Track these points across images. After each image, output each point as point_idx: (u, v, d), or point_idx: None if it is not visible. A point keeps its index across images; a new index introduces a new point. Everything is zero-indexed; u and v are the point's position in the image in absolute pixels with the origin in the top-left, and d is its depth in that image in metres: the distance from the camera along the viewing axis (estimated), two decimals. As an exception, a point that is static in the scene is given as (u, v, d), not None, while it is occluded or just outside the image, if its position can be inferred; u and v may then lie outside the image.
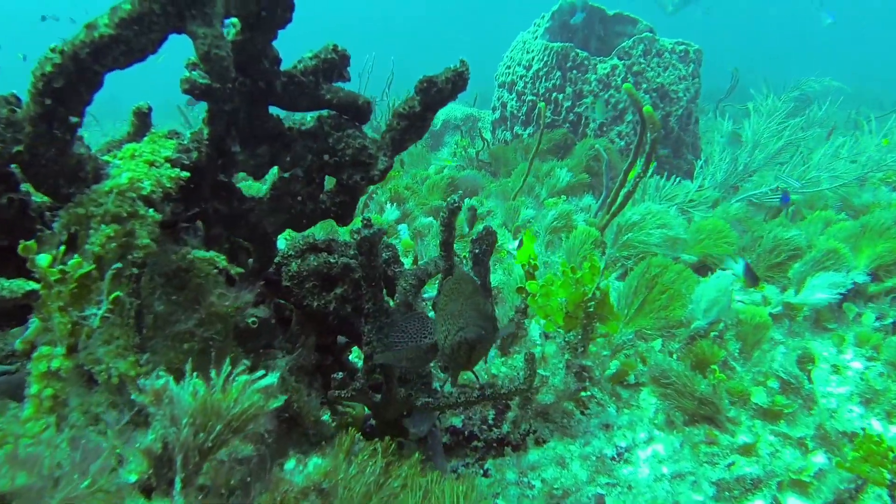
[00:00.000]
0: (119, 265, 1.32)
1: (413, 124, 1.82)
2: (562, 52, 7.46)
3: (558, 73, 7.52)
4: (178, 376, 1.48)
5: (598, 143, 6.54)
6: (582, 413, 2.33)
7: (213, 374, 1.27)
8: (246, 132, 1.77)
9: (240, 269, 1.68)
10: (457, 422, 2.22)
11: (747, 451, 2.34)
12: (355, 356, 2.53)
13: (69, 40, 1.29)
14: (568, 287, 2.16)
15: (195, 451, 1.18)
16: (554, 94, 7.57)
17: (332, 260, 2.07)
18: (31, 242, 1.25)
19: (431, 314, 1.90)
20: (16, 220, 1.48)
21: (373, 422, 2.34)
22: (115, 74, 1.39)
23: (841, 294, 3.23)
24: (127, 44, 1.29)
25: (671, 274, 3.01)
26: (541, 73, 7.63)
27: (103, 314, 1.27)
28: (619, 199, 4.17)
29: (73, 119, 1.37)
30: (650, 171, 4.59)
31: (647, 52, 7.53)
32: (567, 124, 7.52)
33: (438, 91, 1.78)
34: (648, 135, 4.10)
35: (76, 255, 1.34)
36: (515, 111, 8.00)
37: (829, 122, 13.07)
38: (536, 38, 7.91)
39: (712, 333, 2.89)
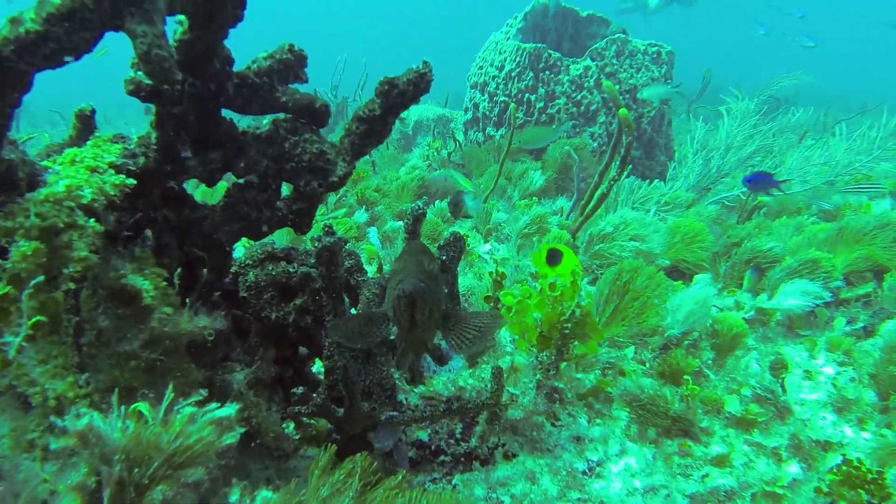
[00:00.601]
0: (34, 284, 1.22)
1: (373, 128, 1.73)
2: (534, 53, 7.41)
3: (531, 74, 7.47)
4: (127, 396, 1.39)
5: (572, 142, 6.49)
6: (553, 425, 2.26)
7: (145, 408, 1.18)
8: (197, 136, 1.68)
9: (168, 310, 1.56)
10: (423, 436, 2.14)
11: (721, 461, 2.29)
12: (318, 368, 2.44)
13: (-7, 35, 1.19)
14: (545, 305, 2.08)
15: (131, 486, 1.08)
16: (527, 95, 7.52)
17: (291, 269, 1.98)
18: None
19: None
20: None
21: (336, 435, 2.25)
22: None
23: (815, 303, 3.21)
24: (57, 41, 1.20)
25: (643, 279, 2.95)
26: (513, 74, 7.57)
27: (20, 342, 1.17)
28: (593, 202, 4.12)
29: None
30: (625, 173, 4.54)
31: (620, 54, 7.51)
32: (540, 125, 7.48)
33: (400, 93, 1.69)
34: (624, 137, 4.05)
35: None
36: (488, 112, 7.94)
37: (800, 126, 13.21)
38: (509, 38, 7.86)
39: (686, 342, 2.85)
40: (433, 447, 2.11)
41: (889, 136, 6.31)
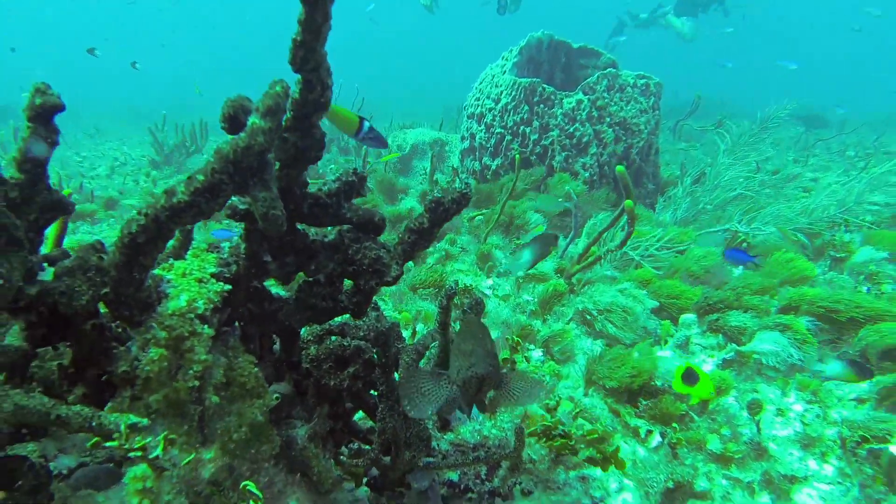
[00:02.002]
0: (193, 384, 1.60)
1: (422, 237, 2.13)
2: (529, 88, 7.82)
3: (526, 108, 7.88)
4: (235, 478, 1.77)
5: (571, 185, 6.88)
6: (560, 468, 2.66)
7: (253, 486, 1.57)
8: (276, 246, 2.06)
9: (273, 400, 1.95)
10: (454, 476, 2.53)
11: (703, 497, 2.69)
12: (358, 417, 2.83)
13: (151, 203, 1.57)
14: (566, 443, 2.50)
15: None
16: (521, 128, 7.92)
17: (345, 343, 2.36)
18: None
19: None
20: (97, 341, 1.74)
21: (374, 472, 2.62)
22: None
23: (784, 354, 3.61)
24: (198, 208, 1.57)
25: (633, 358, 3.36)
26: (509, 107, 7.98)
27: (161, 451, 1.55)
28: (590, 258, 4.52)
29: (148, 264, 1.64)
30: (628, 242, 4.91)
31: (611, 87, 7.92)
32: (534, 156, 7.88)
33: (445, 210, 2.09)
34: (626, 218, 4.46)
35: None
36: (484, 142, 8.34)
37: (784, 144, 13.69)
38: (505, 72, 8.26)
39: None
40: (462, 486, 2.50)
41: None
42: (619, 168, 4.18)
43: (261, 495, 1.68)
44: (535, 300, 4.48)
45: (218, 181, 1.56)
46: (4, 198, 1.62)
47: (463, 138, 8.86)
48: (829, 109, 17.46)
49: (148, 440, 1.50)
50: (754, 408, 3.33)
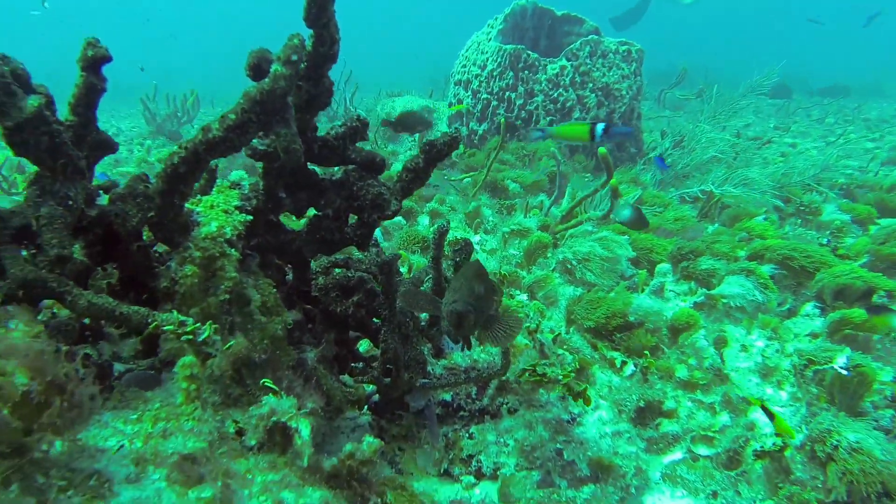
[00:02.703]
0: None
1: (418, 176, 2.40)
2: (514, 54, 8.05)
3: (511, 74, 8.12)
4: (253, 368, 2.06)
5: (553, 148, 7.13)
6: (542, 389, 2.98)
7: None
8: (290, 183, 2.33)
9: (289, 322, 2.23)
10: (447, 396, 2.83)
11: (670, 414, 3.02)
12: (362, 347, 3.12)
13: (189, 139, 1.83)
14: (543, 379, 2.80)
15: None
16: (507, 93, 8.17)
17: (349, 274, 2.65)
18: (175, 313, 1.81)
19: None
20: (141, 261, 2.01)
21: (375, 398, 2.91)
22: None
23: (749, 296, 3.94)
24: (230, 142, 1.84)
25: (607, 309, 3.67)
26: (495, 73, 8.22)
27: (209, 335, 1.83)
28: (573, 220, 4.83)
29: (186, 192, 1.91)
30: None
31: (593, 53, 8.17)
32: (519, 121, 8.14)
33: (438, 151, 2.36)
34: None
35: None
36: (471, 108, 8.58)
37: (767, 113, 13.99)
38: (490, 39, 8.48)
39: (647, 325, 3.57)
40: (455, 405, 2.81)
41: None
42: (601, 150, 4.46)
43: (277, 389, 1.96)
44: (521, 254, 4.78)
45: (247, 119, 1.82)
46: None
47: (450, 104, 9.09)
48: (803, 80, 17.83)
49: (197, 324, 1.78)
50: (720, 343, 3.66)
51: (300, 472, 1.77)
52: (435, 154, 2.36)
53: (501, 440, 2.71)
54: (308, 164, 2.35)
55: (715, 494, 2.63)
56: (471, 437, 2.75)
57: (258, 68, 1.97)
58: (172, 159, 1.82)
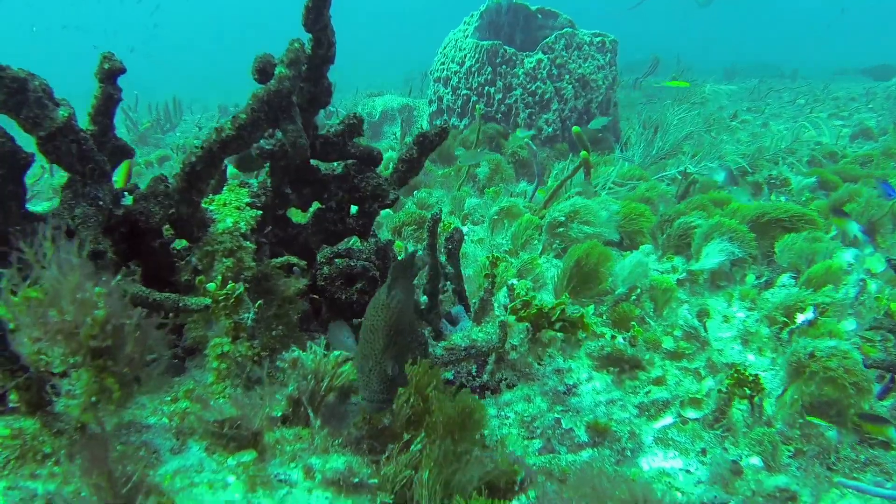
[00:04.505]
0: (244, 286, 2.04)
1: (412, 166, 2.57)
2: (492, 50, 8.23)
3: (489, 69, 8.29)
4: (272, 353, 2.23)
5: (524, 134, 7.32)
6: (538, 364, 3.15)
7: (313, 347, 2.02)
8: (295, 179, 2.49)
9: (303, 263, 2.39)
10: (449, 375, 3.00)
11: (659, 382, 3.20)
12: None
13: (205, 139, 1.99)
14: (540, 315, 2.97)
15: (316, 394, 1.92)
16: (486, 88, 8.35)
17: (352, 263, 2.81)
18: (201, 277, 1.96)
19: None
20: (163, 257, 2.16)
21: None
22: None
23: (725, 258, 4.15)
24: (242, 139, 2.00)
25: (595, 256, 3.85)
26: (473, 69, 8.39)
27: (253, 316, 1.99)
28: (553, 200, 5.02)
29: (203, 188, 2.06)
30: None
31: (569, 46, 8.36)
32: (499, 115, 8.32)
33: (430, 141, 2.53)
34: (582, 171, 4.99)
35: (217, 279, 2.06)
36: (451, 104, 8.75)
37: (738, 95, 14.27)
38: (467, 36, 8.65)
39: (632, 297, 3.76)
40: (457, 382, 2.98)
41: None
42: (575, 129, 4.66)
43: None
44: (508, 241, 4.96)
45: (256, 118, 1.98)
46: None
47: (430, 101, 9.25)
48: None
49: (239, 290, 1.94)
50: (703, 315, 3.85)
51: (323, 440, 1.93)
52: (427, 144, 2.53)
53: (502, 413, 2.89)
54: (310, 160, 2.51)
55: (704, 452, 2.81)
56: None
57: (263, 71, 2.12)
58: (190, 158, 1.98)
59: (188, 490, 1.65)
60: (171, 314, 1.93)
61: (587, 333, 3.01)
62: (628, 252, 4.61)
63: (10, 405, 1.63)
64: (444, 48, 8.97)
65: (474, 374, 3.02)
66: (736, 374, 2.83)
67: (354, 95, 13.68)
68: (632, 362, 3.25)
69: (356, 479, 1.85)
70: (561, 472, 2.58)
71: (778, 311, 3.57)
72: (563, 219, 4.52)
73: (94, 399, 1.52)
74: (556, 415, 2.86)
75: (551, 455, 2.69)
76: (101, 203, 1.88)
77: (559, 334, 3.11)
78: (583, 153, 4.61)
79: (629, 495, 1.98)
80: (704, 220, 4.58)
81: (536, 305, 2.91)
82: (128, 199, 2.07)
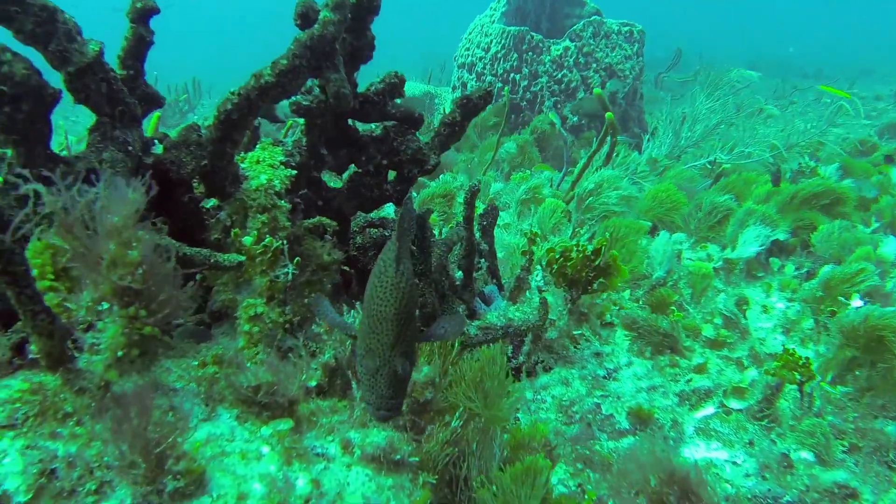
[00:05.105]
0: (284, 242, 1.90)
1: (454, 131, 2.42)
2: (518, 36, 8.06)
3: (515, 55, 8.13)
4: (303, 322, 2.09)
5: (552, 116, 7.18)
6: (575, 347, 3.00)
7: (352, 312, 1.88)
8: (332, 139, 2.35)
9: (334, 224, 2.24)
10: (483, 356, 2.86)
11: (700, 370, 3.05)
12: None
13: (243, 85, 1.85)
14: (577, 265, 2.80)
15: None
16: (511, 75, 8.18)
17: (387, 234, 2.67)
18: (237, 230, 1.82)
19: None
20: (192, 212, 2.03)
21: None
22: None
23: (763, 246, 4.00)
24: (282, 87, 1.86)
25: (625, 229, 3.72)
26: (499, 55, 8.23)
27: (292, 272, 1.85)
28: (580, 174, 4.89)
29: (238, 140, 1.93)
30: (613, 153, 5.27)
31: (596, 34, 8.19)
32: (524, 102, 8.16)
33: (473, 105, 2.38)
34: (609, 138, 4.85)
35: (250, 235, 1.92)
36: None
37: (761, 91, 14.04)
38: (493, 22, 8.49)
39: (669, 282, 3.60)
40: (491, 363, 2.83)
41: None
42: (597, 90, 4.52)
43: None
44: (536, 226, 4.81)
45: (298, 64, 1.84)
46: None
47: (454, 87, 9.10)
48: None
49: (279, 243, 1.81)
50: (741, 304, 3.69)
51: (363, 413, 1.80)
52: (471, 108, 2.38)
53: (539, 397, 2.74)
54: (349, 120, 2.37)
55: (751, 443, 2.66)
56: (508, 395, 2.77)
57: (305, 17, 1.98)
58: (225, 106, 1.84)
59: (219, 459, 1.52)
60: (200, 272, 1.79)
61: (622, 281, 2.85)
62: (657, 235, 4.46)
63: (31, 356, 1.49)
64: (470, 33, 8.81)
65: (510, 355, 2.87)
66: (786, 356, 2.66)
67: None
68: (666, 336, 3.09)
69: (397, 457, 1.71)
70: (602, 459, 2.44)
71: (820, 290, 3.43)
72: (591, 187, 4.40)
73: (120, 354, 1.39)
74: (595, 400, 2.71)
75: (592, 441, 2.55)
76: (130, 148, 1.74)
77: (598, 294, 2.95)
78: (608, 115, 4.48)
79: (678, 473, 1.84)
80: (733, 202, 4.45)
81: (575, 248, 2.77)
82: (158, 148, 1.94)
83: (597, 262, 2.76)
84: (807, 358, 2.69)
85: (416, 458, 1.77)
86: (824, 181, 4.60)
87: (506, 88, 7.07)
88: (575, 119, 7.96)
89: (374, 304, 1.55)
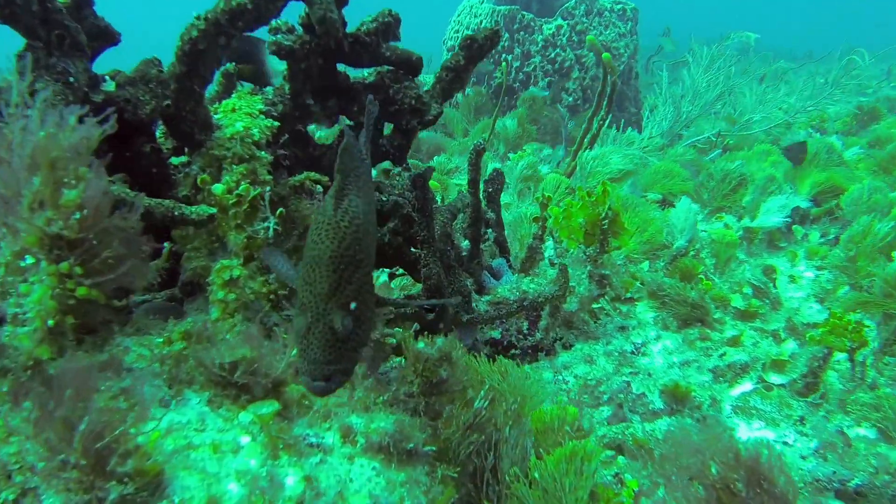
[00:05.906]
0: (269, 188, 1.59)
1: (458, 76, 2.12)
2: (509, 15, 7.76)
3: (506, 35, 7.82)
4: (292, 295, 1.78)
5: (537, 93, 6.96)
6: (595, 322, 2.71)
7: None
8: (318, 87, 2.04)
9: (325, 179, 1.93)
10: (496, 334, 2.55)
11: (734, 342, 2.76)
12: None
13: (210, 10, 1.54)
14: (586, 209, 2.51)
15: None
16: (503, 55, 7.87)
17: (383, 199, 2.36)
18: (205, 175, 1.51)
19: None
20: (153, 165, 1.71)
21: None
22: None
23: (788, 217, 3.72)
24: (257, 10, 1.55)
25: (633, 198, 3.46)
26: (489, 36, 7.92)
27: (274, 226, 1.55)
28: (586, 144, 4.61)
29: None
30: (607, 120, 5.01)
31: (589, 12, 7.90)
32: (517, 83, 7.86)
33: (479, 46, 2.08)
34: (609, 77, 4.58)
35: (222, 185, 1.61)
36: (466, 73, 8.28)
37: (755, 72, 13.83)
38: (483, 2, 8.18)
39: (690, 252, 3.31)
40: (505, 342, 2.53)
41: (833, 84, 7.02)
42: (590, 37, 4.32)
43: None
44: (536, 206, 4.52)
45: (276, -19, 1.53)
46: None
47: (443, 72, 8.79)
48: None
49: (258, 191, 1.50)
50: (769, 273, 3.41)
51: (365, 393, 1.49)
52: (476, 50, 2.08)
53: (560, 377, 2.45)
54: (337, 64, 2.06)
55: (802, 420, 2.37)
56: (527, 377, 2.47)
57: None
58: (190, 33, 1.53)
59: (184, 454, 1.21)
60: (163, 228, 1.48)
61: (629, 236, 2.58)
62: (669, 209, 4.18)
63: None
64: (459, 15, 8.51)
65: (525, 332, 2.57)
66: (834, 320, 2.37)
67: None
68: (695, 307, 2.80)
69: (410, 445, 1.41)
70: (637, 443, 2.14)
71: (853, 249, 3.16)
72: (593, 156, 4.16)
73: (51, 323, 1.07)
74: (624, 378, 2.41)
75: (624, 424, 2.25)
76: (72, 79, 1.43)
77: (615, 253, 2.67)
78: (605, 55, 4.27)
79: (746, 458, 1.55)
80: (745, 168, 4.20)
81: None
82: (110, 85, 1.62)
83: (604, 211, 2.47)
84: (858, 322, 2.40)
85: (433, 448, 1.47)
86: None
87: (498, 75, 6.77)
88: (570, 99, 7.68)
89: (308, 248, 1.27)
